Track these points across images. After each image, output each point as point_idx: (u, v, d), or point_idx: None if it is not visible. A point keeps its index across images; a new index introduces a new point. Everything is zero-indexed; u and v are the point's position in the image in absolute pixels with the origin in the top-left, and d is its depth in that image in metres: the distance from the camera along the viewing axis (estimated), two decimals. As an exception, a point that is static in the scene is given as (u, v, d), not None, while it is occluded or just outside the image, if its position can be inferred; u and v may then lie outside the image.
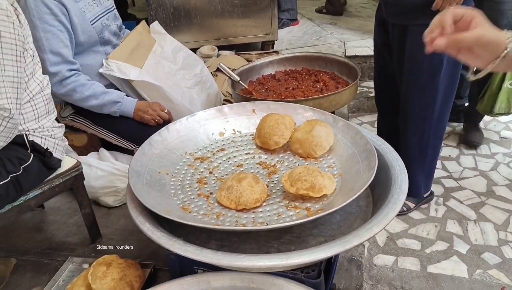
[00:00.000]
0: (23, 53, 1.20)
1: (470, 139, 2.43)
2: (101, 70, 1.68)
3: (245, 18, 2.76)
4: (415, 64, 1.68)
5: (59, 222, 1.69)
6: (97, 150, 1.80)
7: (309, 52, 2.06)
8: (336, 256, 1.36)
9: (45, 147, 1.34)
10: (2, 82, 1.13)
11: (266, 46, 2.97)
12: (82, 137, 1.90)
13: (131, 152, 1.69)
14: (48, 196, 1.42)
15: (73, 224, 1.67)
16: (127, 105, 1.65)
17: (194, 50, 2.51)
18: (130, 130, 1.63)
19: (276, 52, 2.72)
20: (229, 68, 1.90)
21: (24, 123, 1.30)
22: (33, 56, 1.30)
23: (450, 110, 1.81)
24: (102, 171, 1.66)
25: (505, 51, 0.70)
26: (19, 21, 1.20)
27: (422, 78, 1.69)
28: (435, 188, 2.11)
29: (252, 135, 1.42)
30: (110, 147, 1.74)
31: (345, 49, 3.02)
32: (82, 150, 1.87)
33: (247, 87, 1.80)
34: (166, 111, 1.67)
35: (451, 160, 2.36)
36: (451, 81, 1.72)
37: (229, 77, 1.79)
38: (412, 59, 1.69)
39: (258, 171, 1.25)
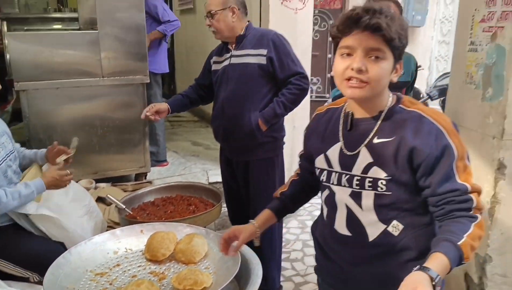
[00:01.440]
0: None
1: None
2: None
3: (120, 154, 3.17)
4: (259, 188, 2.30)
5: None
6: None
7: (181, 182, 2.53)
8: None
9: None
10: None
11: (140, 177, 3.37)
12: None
13: (26, 280, 1.83)
14: None
15: None
16: (40, 190, 1.89)
17: (73, 183, 2.78)
18: (29, 258, 1.81)
19: (150, 182, 3.14)
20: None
21: None
22: None
23: None
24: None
25: None
26: None
27: (263, 197, 2.29)
28: (286, 284, 2.62)
29: (141, 251, 1.75)
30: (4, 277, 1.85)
31: (208, 177, 3.60)
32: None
33: (131, 213, 2.16)
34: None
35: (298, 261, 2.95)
36: None
37: (116, 205, 2.13)
38: (256, 184, 2.31)
39: (150, 278, 1.58)
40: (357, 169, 1.19)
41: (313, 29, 4.83)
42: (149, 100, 3.32)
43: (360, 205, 1.20)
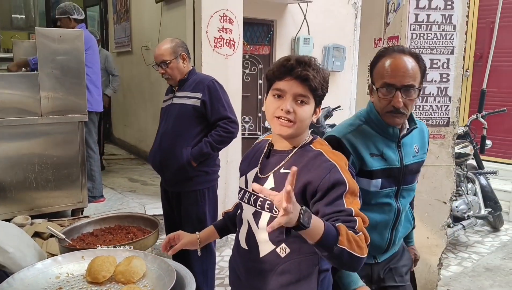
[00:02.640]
0: None
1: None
2: None
3: (57, 190, 3.24)
4: (190, 217, 2.52)
5: None
6: None
7: (119, 212, 2.69)
8: None
9: None
10: None
11: (76, 213, 3.44)
12: None
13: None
14: None
15: None
16: None
17: (8, 220, 2.81)
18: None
19: (87, 217, 3.22)
20: (44, 233, 2.36)
21: None
22: None
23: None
24: None
25: None
26: None
27: (194, 225, 2.50)
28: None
29: (82, 275, 1.87)
30: None
31: (145, 210, 3.74)
32: None
33: (71, 243, 2.28)
34: None
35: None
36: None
37: (56, 236, 2.25)
38: (188, 214, 2.53)
39: (92, 298, 1.72)
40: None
41: (244, 72, 5.24)
42: (85, 137, 3.45)
43: (257, 224, 1.36)
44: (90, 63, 3.77)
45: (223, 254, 3.60)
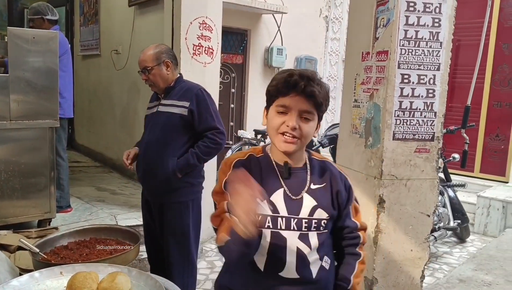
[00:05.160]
0: None
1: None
2: None
3: (24, 199, 3.05)
4: (173, 229, 2.44)
5: None
6: None
7: (95, 225, 2.55)
8: None
9: None
10: None
11: (43, 224, 3.25)
12: None
13: None
14: None
15: None
16: None
17: (-31, 232, 2.62)
18: None
19: (56, 228, 3.05)
20: (11, 245, 2.21)
21: None
22: None
23: (197, 252, 2.58)
24: None
25: None
26: None
27: (176, 238, 2.43)
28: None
29: (62, 292, 1.77)
30: None
31: (116, 221, 3.58)
32: None
33: (45, 257, 2.14)
34: None
35: None
36: (196, 236, 2.52)
37: (29, 250, 2.10)
38: (170, 226, 2.44)
39: (74, 318, 1.61)
40: (304, 213, 1.31)
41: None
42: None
43: (309, 246, 1.31)
44: (65, 67, 3.60)
45: (199, 267, 3.51)
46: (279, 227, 1.29)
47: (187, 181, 2.41)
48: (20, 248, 2.65)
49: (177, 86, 2.45)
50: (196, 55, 3.64)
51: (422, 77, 2.22)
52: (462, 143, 5.12)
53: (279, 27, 5.79)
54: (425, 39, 2.19)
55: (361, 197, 2.39)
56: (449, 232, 4.12)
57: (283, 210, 1.30)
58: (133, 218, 3.63)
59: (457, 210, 4.19)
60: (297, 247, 1.29)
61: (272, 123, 1.30)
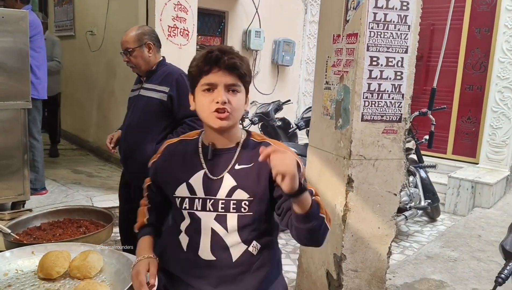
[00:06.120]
0: None
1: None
2: None
3: (-4, 182, 3.04)
4: None
5: None
6: None
7: (69, 205, 2.56)
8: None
9: None
10: None
11: (17, 206, 3.23)
12: None
13: None
14: None
15: None
16: None
17: None
18: None
19: (30, 210, 3.03)
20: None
21: None
22: None
23: None
24: None
25: None
26: None
27: None
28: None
29: (33, 271, 1.76)
30: None
31: (92, 203, 3.59)
32: None
33: (17, 237, 2.14)
34: None
35: None
36: None
37: (0, 231, 2.10)
38: None
39: (45, 296, 1.63)
40: (222, 193, 1.30)
41: (196, 62, 5.16)
42: (28, 126, 3.24)
43: (226, 228, 1.30)
44: (38, 48, 3.55)
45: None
46: (195, 208, 1.32)
47: (166, 166, 2.43)
48: (-7, 230, 2.64)
49: (159, 69, 2.43)
50: (171, 37, 3.62)
51: (390, 59, 2.27)
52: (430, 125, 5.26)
53: (257, 9, 5.78)
54: (393, 22, 2.23)
55: (331, 177, 2.46)
56: (420, 212, 4.26)
57: (200, 192, 1.32)
58: (109, 200, 3.64)
59: (428, 190, 4.33)
60: (212, 228, 1.31)
61: (201, 104, 1.29)
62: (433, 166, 4.37)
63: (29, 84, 3.07)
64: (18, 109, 3.05)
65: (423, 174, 4.36)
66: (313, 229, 1.19)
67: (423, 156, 4.57)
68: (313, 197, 1.19)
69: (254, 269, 1.34)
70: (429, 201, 4.26)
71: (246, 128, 1.42)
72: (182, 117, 2.38)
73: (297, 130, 4.85)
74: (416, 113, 4.11)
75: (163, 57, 2.51)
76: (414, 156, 4.42)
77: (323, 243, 1.27)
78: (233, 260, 1.32)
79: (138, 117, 2.40)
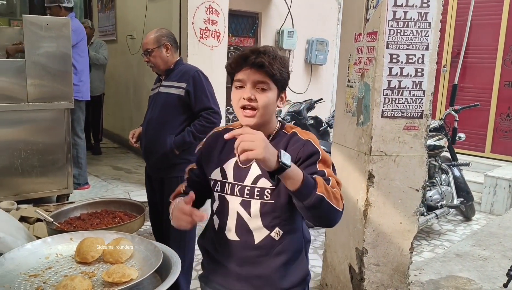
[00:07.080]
0: None
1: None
2: None
3: (43, 176, 3.28)
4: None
5: None
6: None
7: (105, 197, 2.76)
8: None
9: None
10: None
11: (62, 199, 3.48)
12: None
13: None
14: None
15: None
16: None
17: (-7, 205, 2.85)
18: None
19: (73, 203, 3.27)
20: (30, 217, 2.43)
21: None
22: None
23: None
24: None
25: None
26: None
27: None
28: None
29: (71, 256, 1.94)
30: None
31: (129, 197, 3.80)
32: None
33: (59, 225, 2.35)
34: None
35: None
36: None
37: (44, 219, 2.31)
38: (168, 202, 2.60)
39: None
40: (248, 181, 1.39)
41: (229, 63, 5.30)
42: (72, 125, 3.49)
43: (249, 213, 1.39)
44: (82, 53, 3.83)
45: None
46: (225, 192, 1.43)
47: (185, 158, 2.57)
48: (38, 220, 2.88)
49: (177, 68, 2.60)
50: (203, 39, 3.76)
51: (410, 56, 2.29)
52: (469, 123, 5.14)
53: (289, 9, 5.84)
54: (413, 19, 2.26)
55: (353, 172, 2.51)
56: (452, 210, 4.19)
57: (230, 177, 1.42)
58: (144, 195, 3.80)
59: (462, 189, 4.24)
60: (237, 212, 1.40)
61: (233, 100, 1.39)
62: (467, 164, 4.28)
63: (71, 86, 3.31)
64: (61, 109, 3.29)
65: (456, 172, 4.29)
66: (310, 207, 1.21)
67: (462, 154, 4.48)
68: (314, 176, 1.23)
69: (274, 253, 1.41)
70: (462, 199, 4.18)
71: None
72: (198, 111, 2.54)
73: (328, 128, 4.88)
74: (448, 110, 4.06)
75: (180, 57, 2.67)
76: (447, 154, 4.35)
77: (334, 224, 1.30)
78: (255, 243, 1.40)
79: (158, 112, 2.57)
